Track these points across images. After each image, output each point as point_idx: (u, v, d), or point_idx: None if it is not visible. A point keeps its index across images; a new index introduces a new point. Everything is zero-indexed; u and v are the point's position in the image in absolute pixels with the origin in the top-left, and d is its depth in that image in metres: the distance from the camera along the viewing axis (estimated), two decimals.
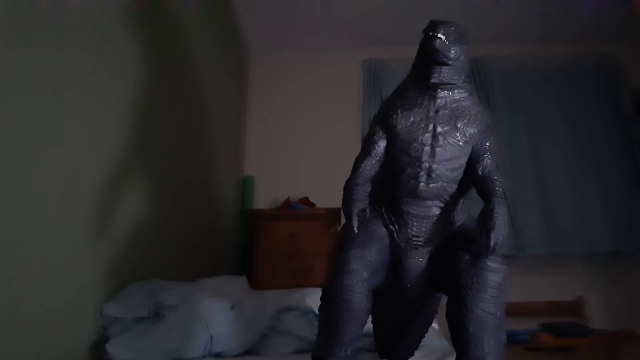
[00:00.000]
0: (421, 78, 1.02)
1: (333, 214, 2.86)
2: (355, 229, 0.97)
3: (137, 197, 1.73)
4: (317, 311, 1.08)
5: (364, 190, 1.04)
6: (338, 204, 1.06)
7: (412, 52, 1.06)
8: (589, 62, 3.54)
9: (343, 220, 1.06)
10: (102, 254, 1.48)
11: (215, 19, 2.86)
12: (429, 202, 1.05)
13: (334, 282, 1.00)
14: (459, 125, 1.02)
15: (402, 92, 1.08)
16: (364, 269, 1.00)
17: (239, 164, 3.42)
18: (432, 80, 1.00)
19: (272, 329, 1.57)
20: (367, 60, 3.68)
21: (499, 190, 0.99)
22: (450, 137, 1.02)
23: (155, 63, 1.91)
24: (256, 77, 3.76)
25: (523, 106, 3.45)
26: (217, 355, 1.45)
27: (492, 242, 0.90)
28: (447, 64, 0.99)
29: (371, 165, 1.07)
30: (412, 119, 1.04)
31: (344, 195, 1.03)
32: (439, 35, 0.96)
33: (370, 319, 1.18)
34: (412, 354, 1.34)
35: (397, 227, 1.08)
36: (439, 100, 1.03)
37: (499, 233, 0.91)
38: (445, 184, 1.03)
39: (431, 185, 1.03)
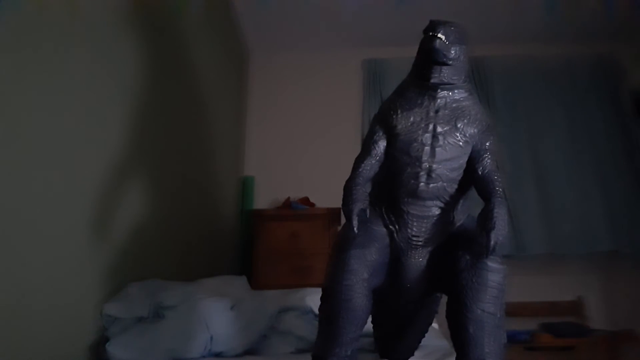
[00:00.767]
0: (421, 78, 1.02)
1: (333, 214, 2.86)
2: (355, 229, 0.97)
3: (137, 197, 1.73)
4: (317, 311, 1.08)
5: (364, 190, 1.04)
6: (338, 204, 1.06)
7: (412, 52, 1.06)
8: (589, 62, 3.54)
9: (343, 220, 1.06)
10: (102, 254, 1.48)
11: (215, 19, 2.86)
12: (429, 202, 1.05)
13: (334, 282, 1.00)
14: (459, 125, 1.02)
15: (402, 92, 1.08)
16: (364, 269, 1.00)
17: (239, 164, 3.42)
18: (432, 80, 1.00)
19: (272, 329, 1.57)
20: (367, 60, 3.68)
21: (499, 190, 0.99)
22: (450, 137, 1.02)
23: (155, 63, 1.91)
24: (256, 77, 3.76)
25: (523, 106, 3.45)
26: (217, 355, 1.45)
27: (492, 242, 0.90)
28: (447, 64, 0.99)
29: (371, 165, 1.07)
30: (412, 119, 1.04)
31: (344, 195, 1.03)
32: (439, 35, 0.96)
33: (370, 319, 1.18)
34: (412, 354, 1.34)
35: (397, 227, 1.07)
36: (439, 100, 1.02)
37: (499, 233, 0.91)
38: (445, 184, 1.03)
39: (431, 185, 1.03)
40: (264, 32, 3.53)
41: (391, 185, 1.07)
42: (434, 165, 1.02)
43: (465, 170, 1.05)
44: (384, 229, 1.09)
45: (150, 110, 1.84)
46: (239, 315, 1.50)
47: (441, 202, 1.05)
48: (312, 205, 3.16)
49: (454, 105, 1.03)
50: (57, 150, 1.26)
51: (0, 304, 1.05)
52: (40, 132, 1.20)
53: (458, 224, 1.09)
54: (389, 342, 1.30)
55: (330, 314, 0.99)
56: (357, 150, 1.12)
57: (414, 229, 1.06)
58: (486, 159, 1.03)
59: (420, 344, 1.35)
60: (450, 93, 1.03)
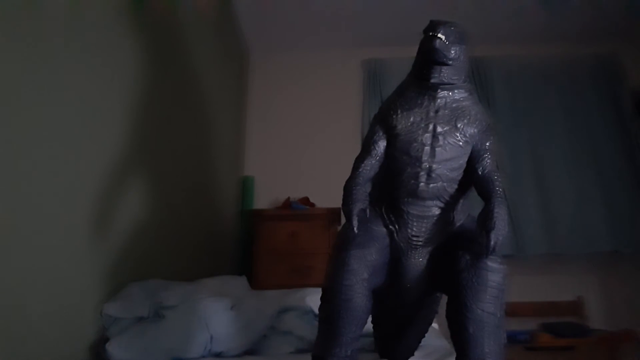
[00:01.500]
0: (421, 78, 1.02)
1: (333, 214, 2.86)
2: (355, 229, 0.97)
3: (137, 197, 1.73)
4: (317, 311, 1.08)
5: (364, 190, 1.04)
6: (338, 204, 1.06)
7: (412, 52, 1.06)
8: (589, 62, 3.54)
9: (343, 220, 1.05)
10: (102, 254, 1.48)
11: (215, 19, 2.86)
12: (429, 202, 1.05)
13: (334, 282, 1.00)
14: (459, 125, 1.02)
15: (402, 92, 1.08)
16: (364, 269, 1.00)
17: (239, 164, 3.42)
18: (432, 80, 1.00)
19: (272, 329, 1.57)
20: (367, 60, 3.68)
21: (499, 190, 0.99)
22: (450, 137, 1.02)
23: (155, 63, 1.91)
24: (256, 77, 3.76)
25: (523, 106, 3.45)
26: (217, 355, 1.45)
27: (492, 242, 0.90)
28: (447, 64, 0.99)
29: (371, 165, 1.07)
30: (412, 119, 1.04)
31: (344, 195, 1.03)
32: (439, 35, 0.96)
33: (370, 319, 1.18)
34: (412, 354, 1.34)
35: (397, 227, 1.07)
36: (439, 100, 1.02)
37: (499, 233, 0.91)
38: (445, 184, 1.03)
39: (431, 185, 1.03)
40: (264, 32, 3.53)
41: (391, 185, 1.07)
42: (434, 165, 1.02)
43: (465, 170, 1.05)
44: (384, 229, 1.09)
45: (150, 110, 1.84)
46: (239, 315, 1.50)
47: (441, 202, 1.05)
48: (312, 205, 3.16)
49: (454, 105, 1.03)
50: (57, 150, 1.26)
51: (0, 304, 1.05)
52: (40, 131, 1.20)
53: (458, 224, 1.09)
54: (389, 342, 1.30)
55: (330, 314, 0.99)
56: (357, 150, 1.12)
57: (414, 229, 1.06)
58: (486, 159, 1.03)
59: (420, 344, 1.35)
60: (450, 93, 1.03)
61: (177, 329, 1.39)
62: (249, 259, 2.90)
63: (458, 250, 1.01)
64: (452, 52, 0.98)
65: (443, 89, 1.02)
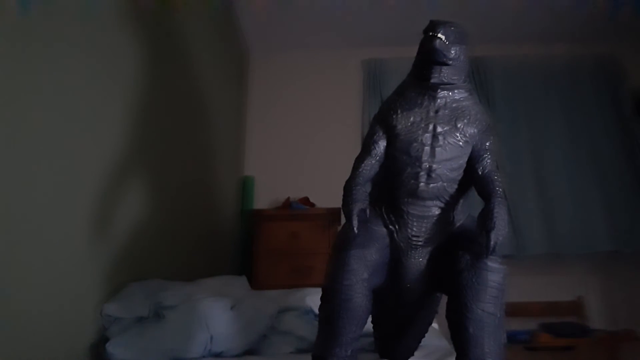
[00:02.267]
0: (421, 78, 1.02)
1: (333, 214, 2.86)
2: (355, 229, 0.97)
3: (137, 197, 1.73)
4: (317, 311, 1.08)
5: (364, 190, 1.04)
6: (338, 204, 1.06)
7: (412, 52, 1.06)
8: (589, 62, 3.54)
9: (343, 220, 1.05)
10: (102, 254, 1.48)
11: (215, 19, 2.86)
12: (429, 202, 1.05)
13: (334, 282, 1.00)
14: (459, 125, 1.02)
15: (402, 92, 1.08)
16: (364, 269, 1.00)
17: (239, 164, 3.42)
18: (432, 80, 1.00)
19: (272, 329, 1.57)
20: (367, 60, 3.68)
21: (499, 190, 0.99)
22: (450, 137, 1.02)
23: (155, 63, 1.91)
24: (256, 76, 3.76)
25: (523, 106, 3.45)
26: (217, 355, 1.45)
27: (492, 242, 0.90)
28: (447, 64, 0.99)
29: (371, 165, 1.07)
30: (412, 119, 1.04)
31: (344, 195, 1.03)
32: (439, 35, 0.96)
33: (370, 319, 1.18)
34: (412, 354, 1.34)
35: (397, 227, 1.08)
36: (439, 100, 1.02)
37: (499, 233, 0.91)
38: (445, 184, 1.03)
39: (431, 185, 1.03)
40: (264, 32, 3.53)
41: (391, 185, 1.07)
42: (434, 165, 1.02)
43: (465, 170, 1.05)
44: (384, 229, 1.09)
45: (150, 110, 1.84)
46: (239, 315, 1.50)
47: (441, 202, 1.05)
48: (312, 205, 3.16)
49: (454, 105, 1.03)
50: (57, 149, 1.26)
51: (0, 304, 1.05)
52: (39, 131, 1.20)
53: (458, 224, 1.09)
54: (389, 342, 1.30)
55: (330, 314, 0.99)
56: (357, 150, 1.12)
57: (414, 229, 1.06)
58: (486, 159, 1.03)
59: (420, 344, 1.35)
60: (450, 93, 1.03)
61: (177, 329, 1.39)
62: (249, 259, 2.90)
63: (458, 250, 1.01)
64: (452, 52, 0.98)
65: (443, 89, 1.02)
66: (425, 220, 1.06)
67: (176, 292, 1.51)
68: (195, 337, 1.39)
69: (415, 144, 1.02)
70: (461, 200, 1.08)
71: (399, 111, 1.06)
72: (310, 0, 3.13)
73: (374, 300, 1.03)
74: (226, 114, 3.10)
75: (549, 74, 3.52)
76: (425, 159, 1.02)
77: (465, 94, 1.04)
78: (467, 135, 1.03)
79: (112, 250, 1.53)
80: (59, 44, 1.28)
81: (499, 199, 0.96)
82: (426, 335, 1.33)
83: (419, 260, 1.08)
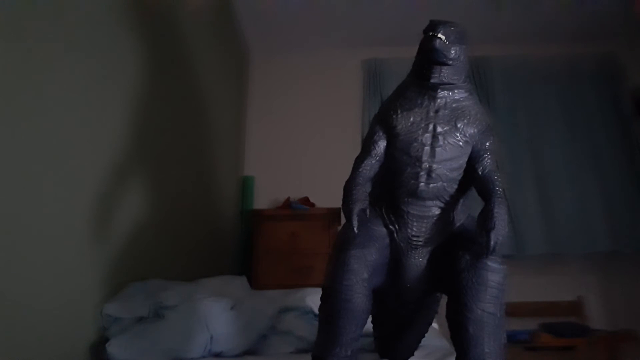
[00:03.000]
0: (421, 78, 1.02)
1: (333, 214, 2.86)
2: (355, 229, 0.97)
3: (137, 197, 1.73)
4: (317, 311, 1.08)
5: (364, 190, 1.04)
6: (338, 204, 1.06)
7: (412, 52, 1.06)
8: (589, 62, 3.55)
9: (343, 220, 1.05)
10: (102, 254, 1.48)
11: (215, 19, 2.86)
12: (429, 202, 1.05)
13: (334, 282, 1.00)
14: (459, 125, 1.02)
15: (402, 92, 1.08)
16: (364, 269, 1.00)
17: (239, 164, 3.42)
18: (432, 80, 1.00)
19: (272, 329, 1.57)
20: (367, 60, 3.69)
21: (499, 190, 0.98)
22: (450, 137, 1.02)
23: (155, 63, 1.91)
24: (256, 77, 3.76)
25: (523, 106, 3.45)
26: (217, 355, 1.45)
27: (492, 242, 0.90)
28: (447, 64, 0.99)
29: (371, 165, 1.07)
30: (412, 119, 1.04)
31: (344, 195, 1.03)
32: (439, 35, 0.96)
33: (370, 319, 1.18)
34: (412, 354, 1.34)
35: (397, 227, 1.07)
36: (439, 100, 1.02)
37: (499, 233, 0.91)
38: (445, 184, 1.03)
39: (431, 185, 1.03)
40: (264, 32, 3.53)
41: (391, 185, 1.07)
42: (434, 165, 1.02)
43: (465, 170, 1.05)
44: (384, 229, 1.09)
45: (150, 110, 1.84)
46: (239, 315, 1.50)
47: (441, 202, 1.05)
48: (312, 205, 3.16)
49: (454, 105, 1.03)
50: (57, 149, 1.26)
51: (0, 304, 1.05)
52: (39, 132, 1.20)
53: (458, 224, 1.09)
54: (389, 342, 1.30)
55: (330, 314, 0.99)
56: (357, 150, 1.12)
57: (414, 229, 1.06)
58: (486, 159, 1.03)
59: (420, 344, 1.35)
60: (450, 93, 1.03)
61: (177, 329, 1.39)
62: (249, 259, 2.90)
63: (458, 250, 1.01)
64: (452, 52, 0.98)
65: (443, 89, 1.02)
66: (425, 220, 1.06)
67: (176, 292, 1.51)
68: (195, 337, 1.39)
69: (415, 144, 1.02)
70: (461, 200, 1.08)
71: (399, 111, 1.05)
72: (310, 0, 3.13)
73: (374, 300, 1.03)
74: (226, 114, 3.10)
75: (549, 74, 3.52)
76: (425, 159, 1.02)
77: (465, 94, 1.04)
78: (467, 135, 1.03)
79: (112, 250, 1.53)
80: (59, 44, 1.28)
81: (499, 198, 0.96)
82: (426, 335, 1.33)
83: (419, 260, 1.08)
